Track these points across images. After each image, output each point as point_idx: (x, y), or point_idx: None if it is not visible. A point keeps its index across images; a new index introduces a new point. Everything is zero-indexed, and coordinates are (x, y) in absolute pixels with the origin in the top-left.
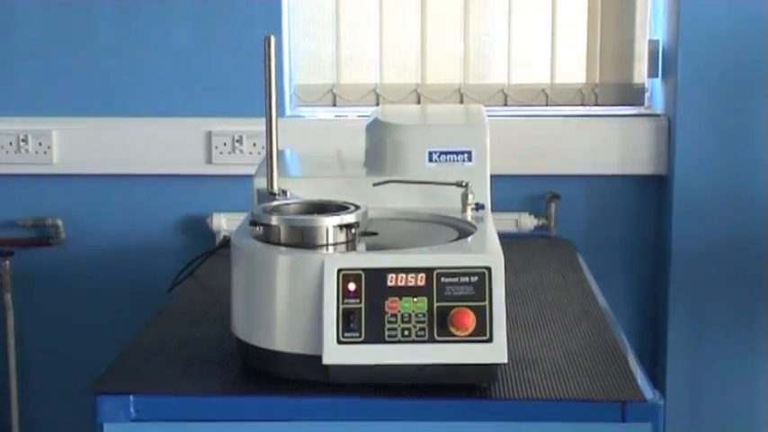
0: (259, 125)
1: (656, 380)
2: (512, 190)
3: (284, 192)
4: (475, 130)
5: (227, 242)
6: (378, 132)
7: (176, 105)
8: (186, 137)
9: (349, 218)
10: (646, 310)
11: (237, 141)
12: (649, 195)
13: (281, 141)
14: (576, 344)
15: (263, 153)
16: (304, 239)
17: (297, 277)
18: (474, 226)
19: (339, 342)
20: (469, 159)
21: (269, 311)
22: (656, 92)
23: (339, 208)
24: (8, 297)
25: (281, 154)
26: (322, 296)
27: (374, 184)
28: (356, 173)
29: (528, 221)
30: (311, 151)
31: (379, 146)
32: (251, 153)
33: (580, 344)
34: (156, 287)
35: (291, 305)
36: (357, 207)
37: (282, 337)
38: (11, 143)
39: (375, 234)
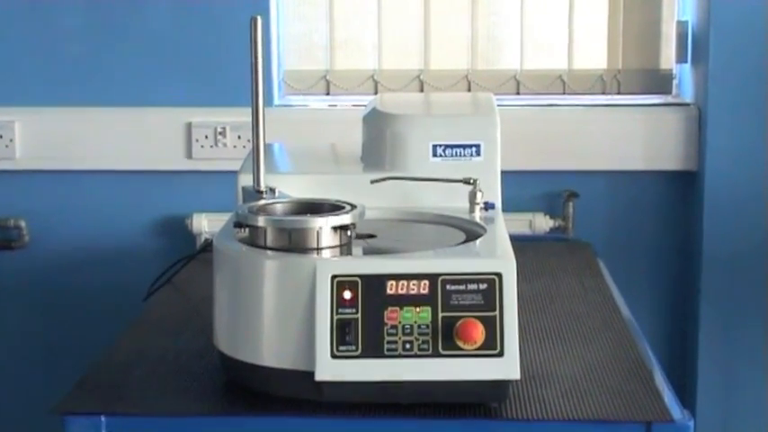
0: (244, 116)
1: (685, 398)
2: (525, 188)
3: (272, 190)
4: (484, 122)
5: (208, 245)
6: (376, 124)
7: (152, 94)
8: (163, 129)
9: (344, 218)
10: (673, 320)
11: (220, 134)
12: (678, 193)
13: (269, 134)
14: (596, 358)
15: (249, 147)
16: (294, 242)
17: (286, 284)
18: (483, 227)
19: (333, 356)
20: (478, 154)
21: (255, 322)
22: (685, 79)
23: (333, 208)
24: None
25: (268, 148)
26: (314, 305)
27: (372, 182)
28: (352, 169)
29: (543, 223)
30: (302, 145)
31: (378, 139)
32: (235, 147)
33: (600, 358)
34: (131, 295)
35: (280, 315)
36: (353, 207)
37: (270, 350)
38: None
39: (373, 237)
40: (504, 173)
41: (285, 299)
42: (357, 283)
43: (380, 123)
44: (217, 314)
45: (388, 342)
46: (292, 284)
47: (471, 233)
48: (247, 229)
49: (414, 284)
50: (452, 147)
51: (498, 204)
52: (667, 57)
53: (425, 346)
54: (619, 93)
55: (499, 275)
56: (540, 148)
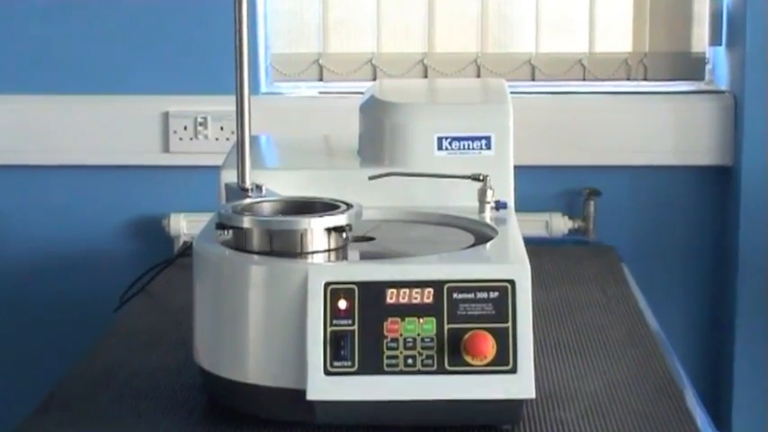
0: (227, 104)
1: (720, 420)
2: (541, 185)
3: (259, 187)
4: (495, 111)
5: (187, 249)
6: (374, 113)
7: (124, 80)
8: (137, 119)
9: (339, 219)
10: (707, 332)
11: (200, 125)
12: (711, 191)
13: (255, 124)
14: (620, 375)
15: (233, 139)
16: (283, 246)
17: (274, 292)
18: (494, 229)
19: (327, 373)
20: (488, 147)
21: (240, 335)
22: (719, 63)
23: (326, 207)
24: None
25: (254, 140)
26: (305, 316)
27: (370, 178)
28: (348, 164)
29: (561, 224)
30: (292, 137)
31: (377, 130)
32: (217, 139)
33: (625, 375)
34: (100, 305)
35: (267, 327)
36: (349, 206)
37: (257, 366)
38: None
39: (371, 239)
40: (517, 168)
41: (273, 309)
42: (353, 291)
43: (379, 113)
44: (197, 326)
45: (388, 357)
46: (281, 292)
47: (481, 235)
48: (231, 231)
49: (416, 293)
50: (459, 139)
51: (511, 203)
52: (699, 39)
53: (429, 362)
54: (645, 79)
55: (512, 283)
56: (558, 140)
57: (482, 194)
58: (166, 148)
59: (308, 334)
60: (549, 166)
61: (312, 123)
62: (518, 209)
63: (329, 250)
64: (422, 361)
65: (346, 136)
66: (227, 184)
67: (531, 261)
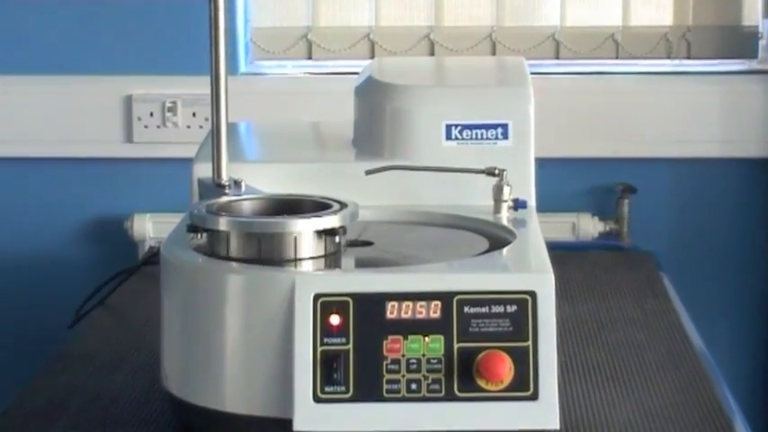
0: (200, 86)
1: None
2: (567, 181)
3: (237, 183)
4: (513, 95)
5: (154, 256)
6: (372, 97)
7: (82, 58)
8: (96, 104)
9: (331, 220)
10: (758, 352)
11: (169, 110)
12: (763, 188)
13: (234, 110)
14: (658, 403)
15: (207, 127)
16: (266, 252)
17: (256, 306)
18: (512, 232)
19: (317, 400)
20: (505, 136)
21: (216, 356)
22: None
23: (316, 207)
24: None
25: (232, 128)
26: (292, 333)
27: (367, 173)
28: (341, 156)
29: (590, 226)
30: (276, 124)
31: (375, 117)
32: (189, 127)
33: (665, 403)
34: (54, 320)
35: (248, 346)
36: (342, 205)
37: (235, 392)
38: None
39: (369, 244)
40: (539, 161)
41: (254, 325)
42: (347, 304)
43: (378, 97)
44: (165, 345)
45: (389, 381)
46: (264, 306)
47: (496, 240)
48: (205, 235)
49: (421, 306)
50: (472, 127)
51: (532, 202)
52: (751, 11)
53: (437, 387)
54: (688, 57)
55: (533, 295)
56: (587, 129)
57: (498, 192)
58: (129, 138)
59: (294, 354)
60: (576, 159)
61: (300, 108)
62: (540, 209)
63: (320, 257)
64: (427, 386)
65: (339, 123)
66: (200, 180)
67: (555, 269)
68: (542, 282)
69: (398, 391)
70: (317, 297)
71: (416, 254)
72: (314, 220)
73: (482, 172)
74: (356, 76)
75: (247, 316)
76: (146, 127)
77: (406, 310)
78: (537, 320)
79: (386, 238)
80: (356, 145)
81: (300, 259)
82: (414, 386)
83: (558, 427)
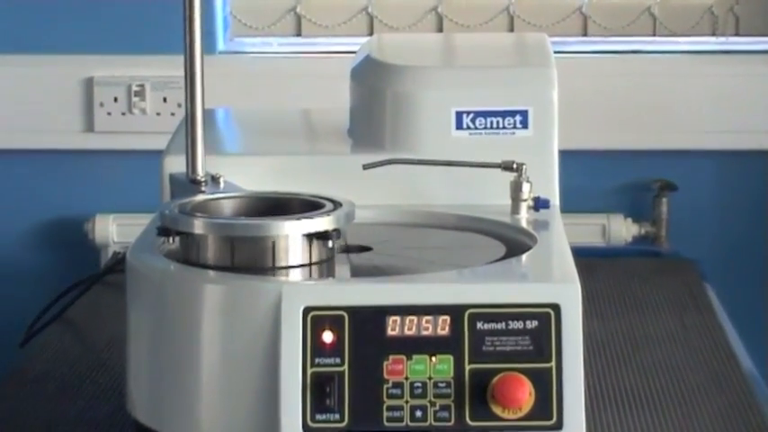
0: (172, 67)
1: None
2: (596, 176)
3: (215, 179)
4: (534, 77)
5: (119, 263)
6: (372, 80)
7: (35, 35)
8: (51, 87)
9: (323, 222)
10: None
11: (136, 95)
12: None
13: (211, 94)
14: (701, 431)
15: (180, 114)
16: (248, 258)
17: (236, 321)
18: (532, 236)
19: (307, 429)
20: (524, 125)
21: (190, 378)
22: None
23: (306, 206)
24: None
25: (209, 116)
26: (278, 352)
27: (365, 167)
28: (335, 147)
29: (623, 228)
30: (260, 110)
31: (375, 102)
32: (159, 114)
33: (708, 431)
34: (2, 337)
35: (227, 367)
36: (337, 204)
37: (212, 420)
38: None
39: (368, 249)
40: (564, 154)
41: (234, 343)
42: (343, 318)
43: (378, 79)
44: (132, 366)
45: (390, 408)
46: (246, 321)
47: (514, 244)
48: (178, 239)
49: (428, 321)
50: (486, 115)
51: (555, 201)
52: None
53: (445, 415)
54: (736, 34)
55: (556, 308)
56: (619, 116)
57: (516, 189)
58: (90, 127)
59: (281, 377)
60: (606, 152)
61: (287, 93)
62: (565, 209)
63: (310, 264)
64: (435, 413)
65: (333, 110)
66: (171, 176)
67: (581, 279)
68: (567, 293)
69: (401, 420)
70: (307, 311)
71: (422, 261)
72: (303, 221)
73: (498, 166)
74: (352, 55)
75: (226, 332)
76: (109, 114)
77: (409, 326)
78: (561, 338)
79: (387, 242)
80: (352, 135)
81: (288, 267)
82: (419, 414)
83: None
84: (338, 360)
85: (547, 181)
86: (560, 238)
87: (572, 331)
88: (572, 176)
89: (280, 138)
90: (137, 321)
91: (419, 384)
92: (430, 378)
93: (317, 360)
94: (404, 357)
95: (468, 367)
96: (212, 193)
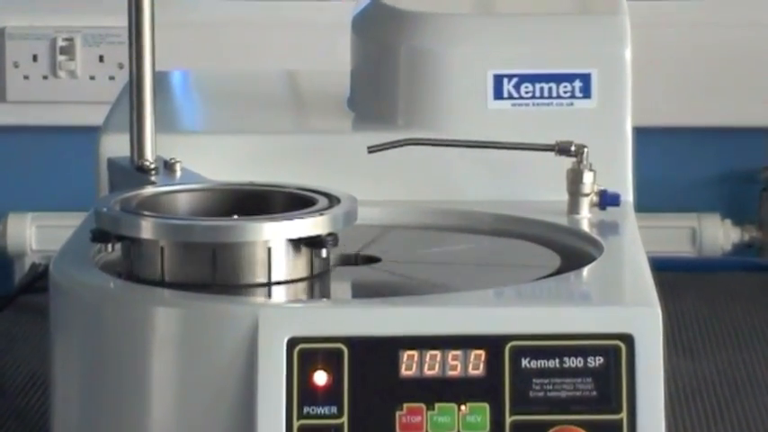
0: (110, 17)
1: None
2: (683, 163)
3: (170, 165)
4: (599, 28)
5: (40, 278)
6: (380, 32)
7: None
8: None
9: (315, 224)
10: None
11: (63, 52)
12: None
13: (165, 52)
14: None
15: (122, 79)
16: (214, 272)
17: (199, 355)
18: (596, 243)
19: None
20: (586, 94)
21: (137, 430)
22: None
23: (293, 202)
24: None
25: (162, 80)
26: (254, 399)
27: (370, 150)
28: (331, 123)
29: (719, 233)
30: (230, 73)
31: (384, 64)
32: (93, 78)
33: None
34: None
35: (185, 419)
36: (333, 200)
37: None
38: None
39: (375, 261)
40: (639, 132)
41: (197, 384)
42: (341, 354)
43: (389, 31)
44: (58, 412)
45: None
46: (210, 356)
47: (572, 254)
48: (119, 246)
49: (455, 358)
50: (534, 79)
51: (628, 197)
52: None
53: None
54: None
55: (629, 340)
56: (714, 83)
57: (575, 180)
58: (2, 96)
59: (257, 430)
60: (696, 130)
61: (265, 49)
62: (640, 206)
63: (298, 280)
64: None
65: (327, 74)
66: (111, 161)
67: (663, 301)
68: (644, 320)
69: None
70: (292, 343)
71: (447, 276)
72: (288, 223)
73: (550, 149)
74: (353, 0)
75: (184, 371)
76: (26, 78)
77: (431, 365)
78: (635, 380)
79: (400, 251)
80: (354, 106)
81: (268, 284)
82: None
83: None
84: (335, 410)
85: (617, 169)
86: (634, 245)
87: (649, 371)
88: (650, 163)
89: (256, 110)
90: (64, 357)
91: None
92: None
93: (306, 409)
94: (423, 406)
95: (509, 420)
96: (166, 185)
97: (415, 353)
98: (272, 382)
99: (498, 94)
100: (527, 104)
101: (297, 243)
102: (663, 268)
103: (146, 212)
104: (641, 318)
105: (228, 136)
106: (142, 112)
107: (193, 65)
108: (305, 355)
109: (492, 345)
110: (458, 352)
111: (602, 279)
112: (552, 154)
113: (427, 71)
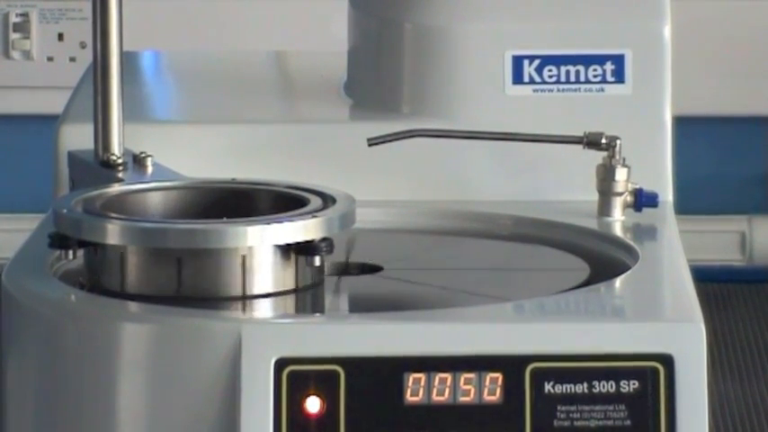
0: None
1: None
2: (729, 158)
3: (140, 159)
4: (632, 4)
5: None
6: (382, 7)
7: None
8: None
9: (306, 227)
10: None
11: (17, 29)
12: None
13: (133, 31)
14: None
15: (84, 60)
16: (192, 283)
17: (172, 378)
18: (631, 249)
19: None
20: (619, 78)
21: None
22: None
23: (282, 202)
24: None
25: (130, 62)
26: (237, 429)
27: (371, 142)
28: (325, 112)
29: None
30: (208, 55)
31: (387, 43)
32: (51, 59)
33: None
34: None
35: None
36: (328, 200)
37: None
38: None
39: (376, 270)
40: (680, 122)
41: (168, 411)
42: (336, 377)
43: (392, 6)
44: None
45: None
46: (187, 378)
47: (603, 262)
48: (81, 252)
49: (468, 381)
50: (560, 61)
51: (667, 196)
52: None
53: None
54: None
55: (668, 362)
56: (762, 66)
57: (607, 177)
58: None
59: None
60: (744, 119)
61: (250, 27)
62: (681, 207)
63: (287, 292)
64: None
65: (320, 55)
66: (72, 154)
67: (707, 316)
68: (685, 338)
69: None
70: (281, 364)
71: (458, 288)
72: (277, 226)
73: (578, 142)
74: None
75: (157, 396)
76: None
77: (440, 390)
78: (675, 406)
79: (404, 259)
80: (352, 92)
81: (253, 297)
82: None
83: None
84: None
85: (654, 164)
86: (674, 252)
87: (692, 396)
88: (693, 158)
89: (239, 97)
90: (19, 378)
91: None
92: None
93: None
94: None
95: None
96: (135, 183)
97: (421, 376)
98: (258, 410)
99: (518, 79)
100: (551, 90)
101: (285, 249)
102: (707, 279)
103: (112, 214)
104: (682, 335)
105: (207, 126)
106: (108, 98)
107: (167, 45)
108: (295, 378)
109: (510, 366)
110: (471, 375)
111: (637, 291)
112: (580, 147)
113: (436, 52)
